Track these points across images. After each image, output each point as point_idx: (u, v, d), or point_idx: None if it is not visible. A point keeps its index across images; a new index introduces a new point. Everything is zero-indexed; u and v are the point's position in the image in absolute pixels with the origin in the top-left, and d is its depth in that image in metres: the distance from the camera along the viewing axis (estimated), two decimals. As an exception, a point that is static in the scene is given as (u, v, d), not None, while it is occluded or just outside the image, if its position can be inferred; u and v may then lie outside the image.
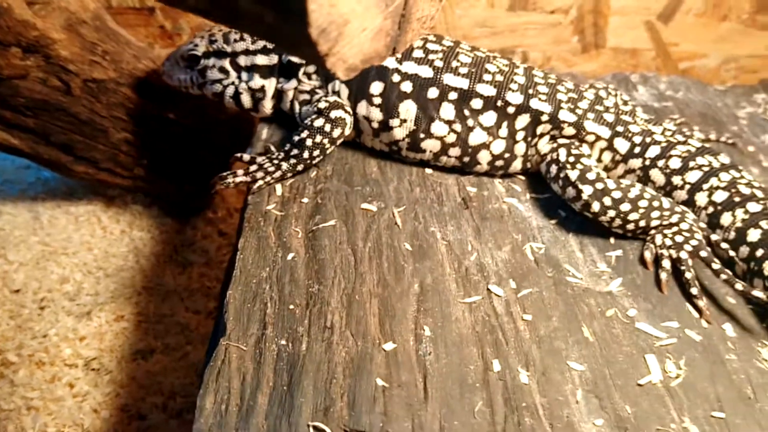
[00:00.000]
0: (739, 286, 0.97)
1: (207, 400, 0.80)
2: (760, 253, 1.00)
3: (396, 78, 1.17)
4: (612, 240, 1.11)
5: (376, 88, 1.18)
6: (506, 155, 1.20)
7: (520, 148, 1.20)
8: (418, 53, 1.19)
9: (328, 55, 0.54)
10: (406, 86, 1.17)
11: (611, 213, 1.07)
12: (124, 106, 1.49)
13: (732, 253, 1.04)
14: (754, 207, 1.04)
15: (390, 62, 1.18)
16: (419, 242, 1.05)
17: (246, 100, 1.29)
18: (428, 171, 1.23)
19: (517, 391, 0.84)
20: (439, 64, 1.18)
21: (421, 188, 1.18)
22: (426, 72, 1.17)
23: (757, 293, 0.96)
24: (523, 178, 1.25)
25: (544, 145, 1.19)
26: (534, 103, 1.17)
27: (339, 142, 1.20)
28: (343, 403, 0.80)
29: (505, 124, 1.18)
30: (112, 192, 1.74)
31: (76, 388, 1.28)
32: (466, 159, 1.20)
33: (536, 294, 0.99)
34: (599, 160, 1.19)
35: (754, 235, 1.02)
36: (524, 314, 0.95)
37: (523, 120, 1.18)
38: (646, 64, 1.94)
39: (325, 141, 1.16)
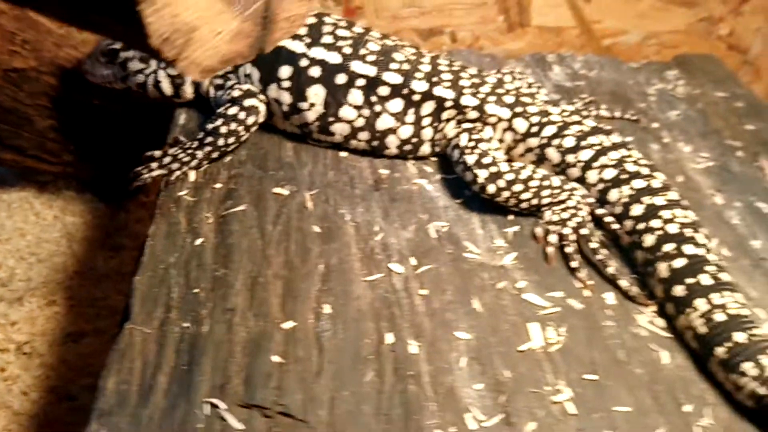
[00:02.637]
0: (610, 269, 1.06)
1: (109, 381, 0.84)
2: (641, 226, 1.07)
3: (304, 63, 1.21)
4: (511, 217, 1.18)
5: (285, 72, 1.21)
6: (414, 140, 1.25)
7: (427, 133, 1.25)
8: (327, 39, 1.23)
9: (177, 59, 0.58)
10: (315, 71, 1.21)
11: (506, 194, 1.14)
12: (47, 95, 1.49)
13: (616, 226, 1.12)
14: (638, 183, 1.12)
15: (299, 47, 1.21)
16: (328, 224, 1.10)
17: (166, 87, 1.31)
18: (343, 154, 1.28)
19: (406, 361, 0.91)
20: (347, 50, 1.22)
21: (334, 171, 1.23)
22: (334, 58, 1.21)
23: (623, 282, 1.04)
24: (435, 159, 1.31)
25: (450, 130, 1.24)
26: (438, 91, 1.22)
27: (254, 129, 1.23)
28: (239, 380, 0.85)
29: (411, 110, 1.23)
30: (45, 178, 1.74)
31: (6, 372, 1.31)
32: (376, 143, 1.25)
33: (434, 270, 1.05)
34: (501, 140, 1.25)
35: (637, 209, 1.09)
36: (421, 289, 1.01)
37: (428, 106, 1.23)
38: (570, 41, 2.01)
39: (239, 128, 1.20)
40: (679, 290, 0.98)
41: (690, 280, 0.97)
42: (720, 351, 0.90)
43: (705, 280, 0.96)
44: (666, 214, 1.06)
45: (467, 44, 1.97)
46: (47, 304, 1.46)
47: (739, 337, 0.90)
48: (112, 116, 1.58)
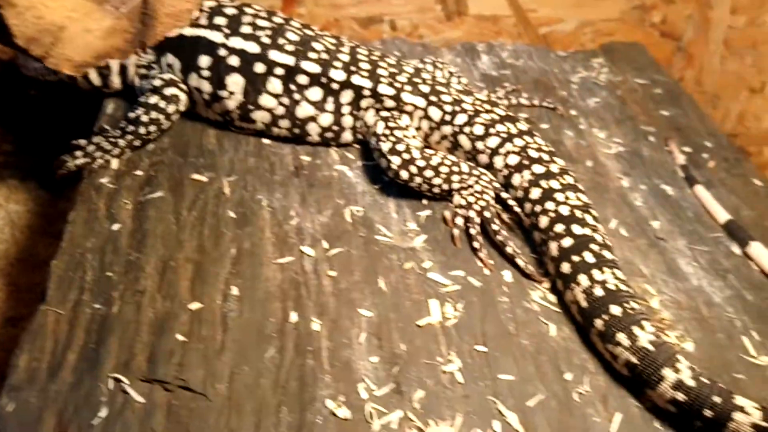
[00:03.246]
0: (509, 249, 1.12)
1: (21, 359, 0.89)
2: (538, 209, 1.14)
3: (223, 52, 1.25)
4: (425, 202, 1.24)
5: (204, 61, 1.25)
6: (335, 127, 1.30)
7: (347, 121, 1.30)
8: (246, 29, 1.26)
9: (45, 57, 0.62)
10: (233, 60, 1.25)
11: (418, 179, 1.20)
12: (-18, 86, 1.51)
13: (518, 209, 1.18)
14: (538, 169, 1.18)
15: (217, 38, 1.25)
16: (243, 210, 1.15)
17: (94, 78, 1.34)
18: (266, 141, 1.32)
19: (308, 337, 0.96)
20: (266, 40, 1.26)
21: (255, 158, 1.27)
22: (253, 48, 1.25)
23: (520, 261, 1.11)
24: (358, 146, 1.36)
25: (369, 118, 1.29)
26: (356, 80, 1.27)
27: (175, 117, 1.27)
28: (143, 357, 0.90)
29: (330, 99, 1.27)
30: (-13, 167, 1.76)
31: (-57, 358, 1.35)
32: (297, 131, 1.29)
33: (345, 252, 1.11)
34: (419, 128, 1.30)
35: (535, 193, 1.16)
36: (330, 271, 1.07)
37: (347, 95, 1.28)
38: (508, 30, 2.06)
39: (160, 117, 1.23)
40: (566, 267, 1.04)
41: (575, 258, 1.04)
42: (598, 323, 0.97)
43: (588, 257, 1.03)
44: (560, 197, 1.12)
45: (407, 33, 2.01)
46: (-13, 290, 1.49)
47: (616, 310, 0.97)
48: (48, 106, 1.60)
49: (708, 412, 0.87)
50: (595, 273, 1.01)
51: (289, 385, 0.89)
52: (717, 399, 0.87)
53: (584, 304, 1.00)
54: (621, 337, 0.94)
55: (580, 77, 1.68)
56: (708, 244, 1.23)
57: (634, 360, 0.93)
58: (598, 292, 0.99)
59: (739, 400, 0.88)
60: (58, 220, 1.79)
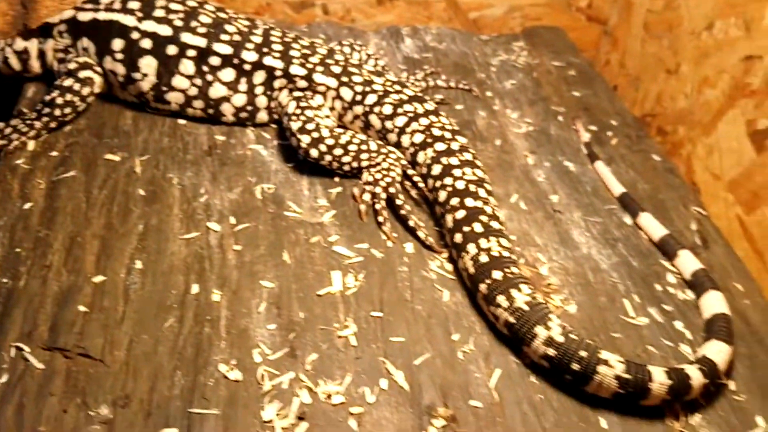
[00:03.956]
0: (411, 222, 1.18)
1: None
2: (438, 184, 1.20)
3: (135, 35, 1.28)
4: (337, 179, 1.29)
5: (118, 44, 1.28)
6: (249, 107, 1.34)
7: (261, 101, 1.34)
8: (159, 13, 1.29)
9: None
10: (146, 43, 1.28)
11: (328, 157, 1.25)
12: None
13: (422, 185, 1.25)
14: (440, 146, 1.24)
15: (130, 21, 1.28)
16: (154, 188, 1.19)
17: (14, 62, 1.36)
18: (181, 122, 1.35)
19: (208, 308, 1.01)
20: (178, 23, 1.29)
21: (170, 138, 1.31)
22: (165, 31, 1.28)
23: (421, 234, 1.17)
24: (275, 126, 1.40)
25: (283, 98, 1.34)
26: (267, 61, 1.31)
27: (90, 99, 1.30)
28: (45, 327, 0.94)
29: (243, 79, 1.31)
30: None
31: None
32: (211, 111, 1.33)
33: (252, 228, 1.15)
34: (332, 108, 1.35)
35: (436, 169, 1.22)
36: (235, 245, 1.12)
37: (259, 76, 1.32)
38: (438, 14, 2.11)
39: (75, 99, 1.26)
40: (458, 237, 1.11)
41: (466, 228, 1.10)
42: (482, 287, 1.04)
43: (477, 227, 1.10)
44: (457, 172, 1.19)
45: (339, 17, 2.05)
46: None
47: (497, 274, 1.03)
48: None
49: (575, 366, 0.95)
50: (482, 242, 1.08)
51: (185, 352, 0.94)
52: (583, 353, 0.95)
53: (471, 270, 1.07)
54: (501, 299, 1.01)
55: (499, 60, 1.74)
56: (601, 216, 1.30)
57: (511, 319, 1.00)
58: (483, 258, 1.06)
59: (603, 354, 0.95)
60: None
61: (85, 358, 0.91)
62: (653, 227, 1.27)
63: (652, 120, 1.82)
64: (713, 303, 1.11)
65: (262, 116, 1.36)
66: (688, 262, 1.19)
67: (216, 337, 0.97)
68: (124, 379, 0.90)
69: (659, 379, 0.94)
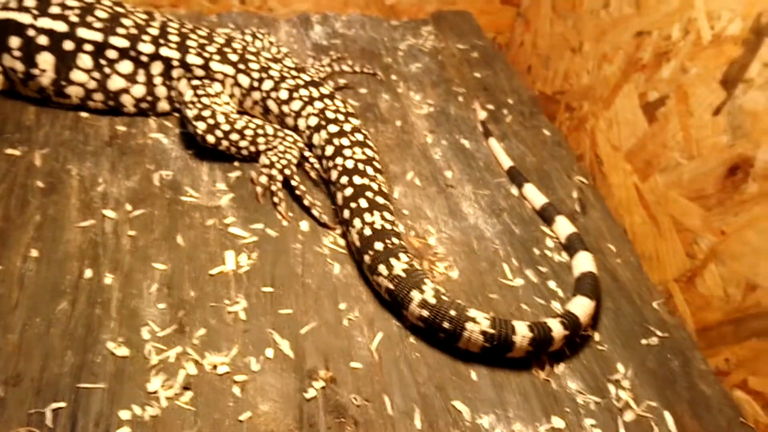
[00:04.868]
0: (305, 202, 1.24)
1: None
2: (330, 164, 1.27)
3: (31, 33, 1.30)
4: (237, 164, 1.34)
5: (15, 42, 1.30)
6: (149, 98, 1.38)
7: (161, 91, 1.38)
8: (54, 10, 1.31)
9: None
10: (42, 40, 1.30)
11: (225, 143, 1.29)
12: None
13: (318, 166, 1.31)
14: (332, 128, 1.31)
15: (26, 19, 1.29)
16: (52, 180, 1.22)
17: None
18: (83, 114, 1.38)
19: (100, 290, 1.05)
20: (74, 19, 1.31)
21: (71, 131, 1.33)
22: (61, 27, 1.30)
23: (315, 212, 1.23)
24: (177, 115, 1.44)
25: (182, 87, 1.37)
26: (164, 51, 1.34)
27: (-12, 96, 1.32)
28: (-65, 316, 0.97)
29: (141, 71, 1.35)
30: None
31: None
32: (111, 103, 1.36)
33: (148, 214, 1.20)
34: (232, 95, 1.40)
35: (329, 150, 1.28)
36: (130, 231, 1.16)
37: (157, 66, 1.35)
38: (356, 2, 2.15)
39: (-28, 96, 1.28)
40: (346, 213, 1.18)
41: (353, 205, 1.17)
42: (366, 258, 1.11)
43: (363, 203, 1.17)
44: (347, 152, 1.25)
45: (256, 6, 2.08)
46: None
47: (379, 246, 1.11)
48: None
49: (446, 324, 1.03)
50: (366, 216, 1.15)
51: (76, 332, 0.99)
52: (453, 312, 1.03)
53: (357, 243, 1.14)
54: (381, 268, 1.08)
55: (407, 44, 1.81)
56: (490, 188, 1.39)
57: (390, 286, 1.07)
58: (367, 231, 1.13)
59: (471, 312, 1.03)
60: None
61: (-25, 344, 0.95)
62: (535, 197, 1.36)
63: (561, 97, 1.91)
64: (582, 262, 1.20)
65: (163, 106, 1.40)
66: (563, 227, 1.29)
67: (106, 317, 1.02)
68: (16, 360, 0.94)
69: (522, 333, 1.03)
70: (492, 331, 1.02)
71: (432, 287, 1.05)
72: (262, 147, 1.31)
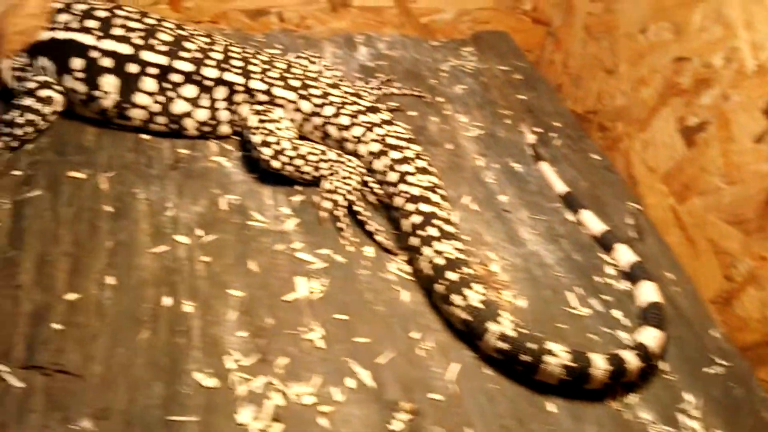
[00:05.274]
0: (369, 227, 1.25)
1: None
2: (394, 190, 1.28)
3: (95, 54, 1.30)
4: (299, 188, 1.35)
5: (77, 63, 1.30)
6: (211, 122, 1.38)
7: (223, 115, 1.39)
8: (117, 31, 1.32)
9: None
10: (106, 62, 1.30)
11: (289, 168, 1.31)
12: None
13: (379, 192, 1.32)
14: (395, 155, 1.32)
15: (89, 40, 1.30)
16: (120, 204, 1.22)
17: None
18: (144, 137, 1.38)
19: (180, 319, 1.06)
20: (138, 41, 1.32)
21: (134, 153, 1.34)
22: (125, 49, 1.31)
23: (379, 237, 1.24)
24: (237, 138, 1.44)
25: (245, 112, 1.38)
26: (228, 77, 1.35)
27: (52, 118, 1.32)
28: (21, 346, 0.97)
29: (205, 95, 1.36)
30: None
31: None
32: (174, 126, 1.37)
33: (219, 239, 1.20)
34: (292, 120, 1.41)
35: (392, 176, 1.30)
36: (203, 257, 1.16)
37: (220, 91, 1.36)
38: (391, 20, 2.18)
39: (36, 118, 1.28)
40: (414, 241, 1.19)
41: (422, 233, 1.18)
42: (438, 287, 1.13)
43: (432, 231, 1.18)
44: (412, 179, 1.27)
45: (294, 24, 2.09)
46: None
47: (452, 275, 1.12)
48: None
49: (525, 357, 1.04)
50: (437, 244, 1.16)
51: (161, 363, 0.99)
52: (532, 345, 1.04)
53: (428, 271, 1.15)
54: (456, 298, 1.10)
55: (449, 66, 1.82)
56: (546, 214, 1.41)
57: (466, 317, 1.08)
58: (439, 260, 1.14)
59: (549, 345, 1.05)
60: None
61: (63, 374, 0.95)
62: (593, 223, 1.38)
63: (593, 116, 1.94)
64: (647, 292, 1.22)
65: (225, 129, 1.40)
66: (624, 255, 1.31)
67: (189, 346, 1.02)
68: (103, 393, 0.94)
69: (600, 365, 1.04)
70: (571, 364, 1.04)
71: (510, 319, 1.07)
72: (324, 172, 1.32)
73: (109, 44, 1.30)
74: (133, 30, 1.33)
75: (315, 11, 2.11)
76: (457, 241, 1.18)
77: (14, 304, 1.02)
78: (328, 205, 1.29)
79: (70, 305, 1.04)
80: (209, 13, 2.03)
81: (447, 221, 1.20)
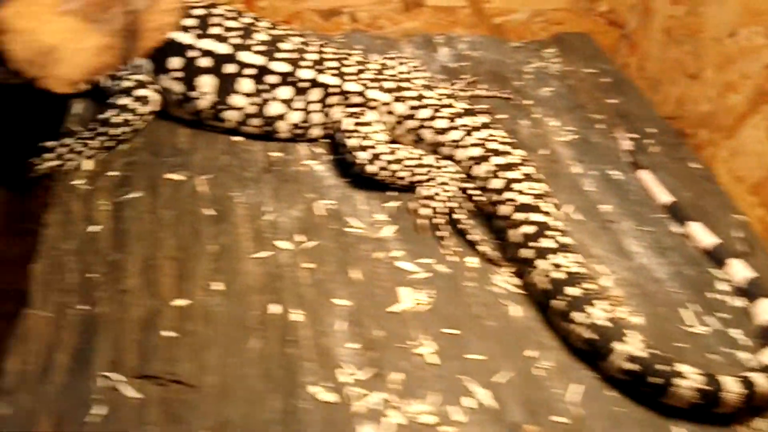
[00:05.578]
0: (472, 237, 1.20)
1: (10, 363, 0.91)
2: (499, 198, 1.22)
3: (193, 54, 1.27)
4: (393, 193, 1.30)
5: (175, 63, 1.28)
6: (304, 124, 1.35)
7: (316, 118, 1.35)
8: (215, 30, 1.29)
9: (40, 77, 0.65)
10: (204, 61, 1.27)
11: (384, 173, 1.26)
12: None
13: (479, 198, 1.26)
14: (498, 160, 1.26)
15: (187, 39, 1.27)
16: (219, 207, 1.19)
17: None
18: (237, 139, 1.35)
19: (288, 327, 1.02)
20: (236, 41, 1.29)
21: (228, 156, 1.31)
22: (223, 49, 1.28)
23: (483, 248, 1.19)
24: (327, 141, 1.41)
25: (337, 114, 1.34)
26: (323, 78, 1.31)
27: (148, 118, 1.29)
28: (133, 354, 0.94)
29: (299, 97, 1.32)
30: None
31: None
32: (267, 128, 1.33)
33: (319, 245, 1.16)
34: (385, 122, 1.36)
35: (496, 183, 1.24)
36: (305, 263, 1.13)
37: (315, 93, 1.32)
38: (463, 20, 2.12)
39: (132, 118, 1.25)
40: (525, 253, 1.13)
41: (534, 244, 1.13)
42: (557, 303, 1.07)
43: (545, 243, 1.12)
44: (518, 186, 1.21)
45: (366, 24, 2.05)
46: (-48, 292, 1.48)
47: (573, 291, 1.06)
48: (9, 108, 1.58)
49: (653, 379, 0.98)
50: (554, 257, 1.10)
51: (275, 374, 0.95)
52: (661, 367, 0.98)
53: (544, 286, 1.09)
54: (577, 315, 1.04)
55: (533, 67, 1.76)
56: (652, 225, 1.34)
57: (588, 335, 1.02)
58: (557, 275, 1.08)
59: (679, 366, 0.98)
60: (21, 218, 1.78)
61: (178, 385, 0.92)
62: (703, 236, 1.30)
63: (672, 122, 1.86)
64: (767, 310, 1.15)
65: (316, 132, 1.36)
66: (739, 270, 1.23)
67: (301, 357, 0.98)
68: (220, 405, 0.91)
69: (731, 388, 0.98)
70: (704, 387, 0.97)
71: (639, 338, 1.01)
72: (420, 177, 1.27)
73: (207, 44, 1.27)
74: (230, 29, 1.29)
75: (387, 11, 2.07)
76: (574, 253, 1.12)
77: (122, 310, 1.00)
78: (426, 212, 1.24)
79: (179, 311, 1.01)
80: (283, 13, 2.00)
81: (562, 232, 1.14)
